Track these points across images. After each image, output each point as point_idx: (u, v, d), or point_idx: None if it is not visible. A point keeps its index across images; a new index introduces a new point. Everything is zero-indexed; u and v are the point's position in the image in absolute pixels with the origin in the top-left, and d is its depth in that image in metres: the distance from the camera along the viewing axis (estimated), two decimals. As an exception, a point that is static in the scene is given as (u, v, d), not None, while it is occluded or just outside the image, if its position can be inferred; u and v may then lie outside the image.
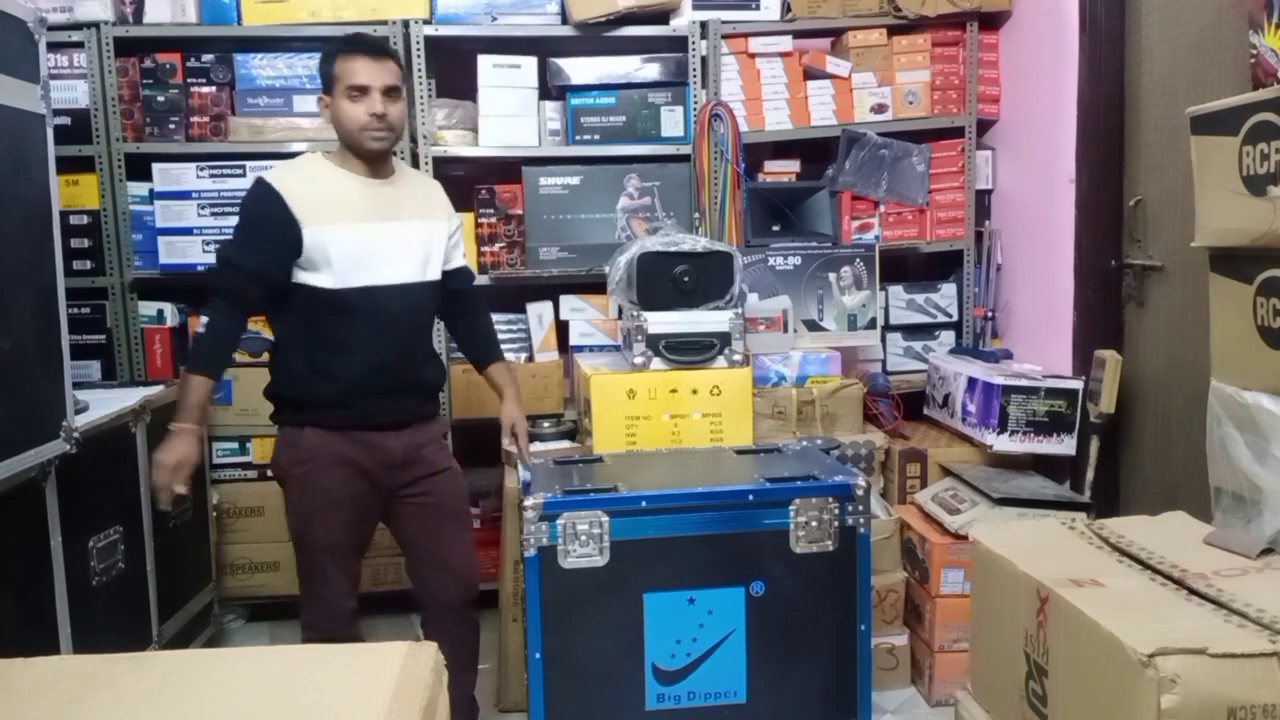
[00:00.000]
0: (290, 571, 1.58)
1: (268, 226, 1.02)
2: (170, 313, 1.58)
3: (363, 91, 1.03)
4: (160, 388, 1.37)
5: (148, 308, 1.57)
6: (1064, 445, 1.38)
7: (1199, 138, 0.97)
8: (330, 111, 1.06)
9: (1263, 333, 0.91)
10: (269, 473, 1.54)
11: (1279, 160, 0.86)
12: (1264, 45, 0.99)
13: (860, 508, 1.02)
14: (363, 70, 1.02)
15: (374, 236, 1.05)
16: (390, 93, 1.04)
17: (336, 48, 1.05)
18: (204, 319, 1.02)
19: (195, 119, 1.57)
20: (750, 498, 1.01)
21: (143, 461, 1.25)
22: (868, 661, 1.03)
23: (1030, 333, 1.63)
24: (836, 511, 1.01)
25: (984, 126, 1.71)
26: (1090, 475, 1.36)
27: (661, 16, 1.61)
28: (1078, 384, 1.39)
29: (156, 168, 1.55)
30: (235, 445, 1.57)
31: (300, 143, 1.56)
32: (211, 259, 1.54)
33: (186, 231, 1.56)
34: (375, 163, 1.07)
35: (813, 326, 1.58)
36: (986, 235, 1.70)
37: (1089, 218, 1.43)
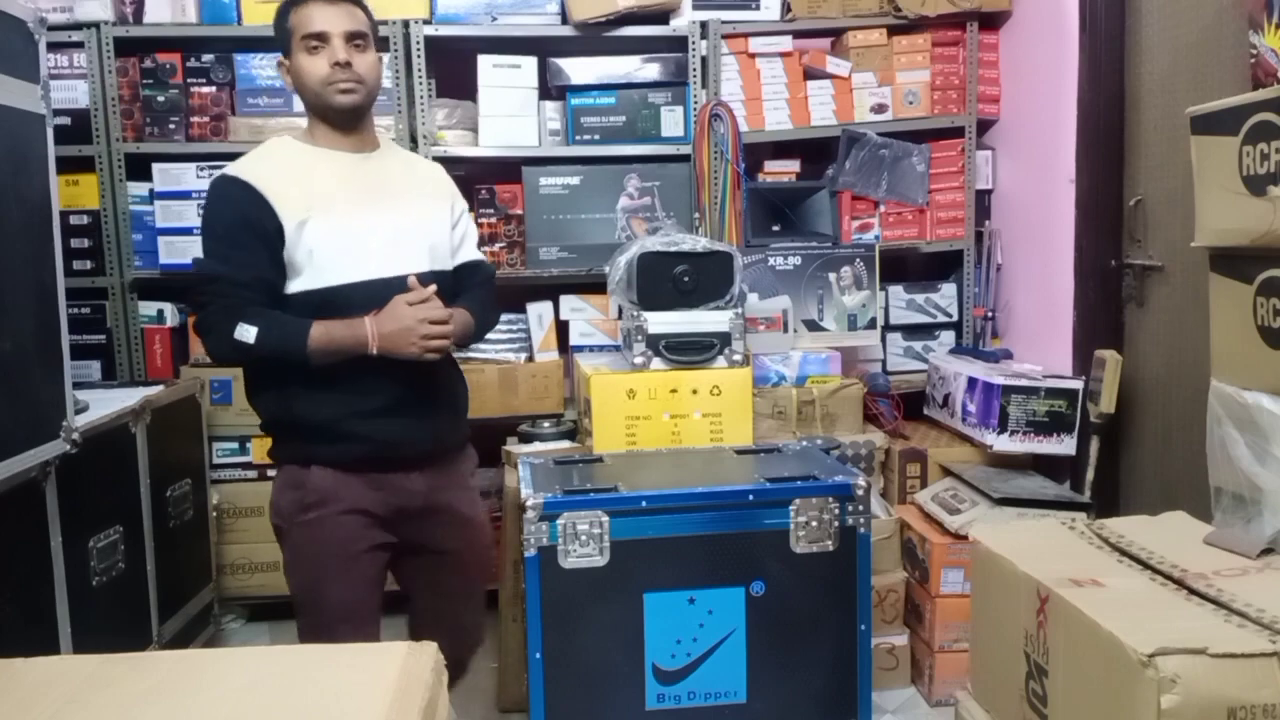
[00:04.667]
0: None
1: (247, 227, 0.83)
2: (170, 313, 1.58)
3: (321, 40, 0.85)
4: (160, 388, 1.36)
5: (148, 308, 1.57)
6: (1064, 445, 1.38)
7: (1199, 137, 0.97)
8: (291, 76, 0.88)
9: (1263, 333, 0.91)
10: (271, 510, 1.19)
11: (1279, 160, 0.86)
12: (1264, 45, 0.99)
13: (860, 508, 1.02)
14: (318, 15, 0.85)
15: (365, 221, 0.87)
16: (355, 40, 0.86)
17: (288, 0, 0.87)
18: (246, 329, 0.80)
19: (195, 119, 1.56)
20: (750, 498, 1.00)
21: (140, 460, 1.24)
22: (868, 661, 1.03)
23: (1030, 333, 1.63)
24: (837, 511, 1.01)
25: (984, 126, 1.71)
26: (1090, 475, 1.36)
27: (662, 16, 1.61)
28: (1078, 384, 1.39)
29: (156, 168, 1.55)
30: (235, 445, 1.56)
31: (300, 143, 1.57)
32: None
33: (187, 232, 1.55)
34: (352, 131, 0.89)
35: (813, 326, 1.58)
36: (986, 235, 1.70)
37: (1089, 218, 1.43)
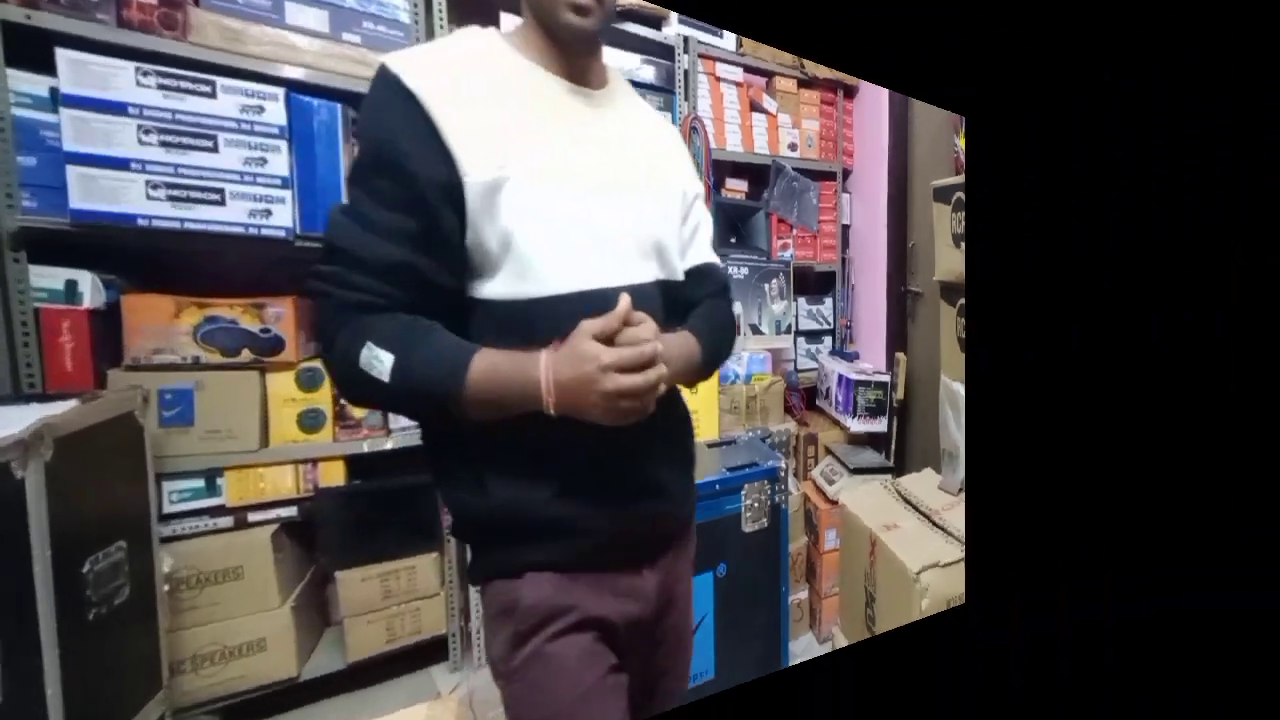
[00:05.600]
0: (282, 652, 1.05)
1: (403, 174, 0.49)
2: (90, 286, 0.96)
3: None
4: (72, 403, 0.84)
5: (47, 276, 0.95)
6: (881, 425, 1.86)
7: (936, 204, 1.50)
8: None
9: (959, 341, 1.45)
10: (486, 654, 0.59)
11: (965, 225, 1.36)
12: (959, 145, 1.57)
13: (783, 487, 1.28)
14: None
15: (589, 190, 0.54)
16: None
17: None
18: (377, 355, 0.48)
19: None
20: (717, 487, 1.18)
21: (35, 521, 0.77)
22: (787, 618, 1.17)
23: (870, 339, 2.30)
24: (770, 492, 1.24)
25: (847, 173, 2.22)
26: (893, 446, 1.84)
27: (655, 21, 1.66)
28: (888, 378, 2.02)
29: (63, 55, 0.94)
30: (199, 484, 1.02)
31: (293, 66, 1.10)
32: (162, 208, 0.87)
33: (120, 164, 0.92)
34: (581, 56, 0.59)
35: (754, 330, 1.82)
36: (846, 261, 2.27)
37: (892, 255, 2.05)
